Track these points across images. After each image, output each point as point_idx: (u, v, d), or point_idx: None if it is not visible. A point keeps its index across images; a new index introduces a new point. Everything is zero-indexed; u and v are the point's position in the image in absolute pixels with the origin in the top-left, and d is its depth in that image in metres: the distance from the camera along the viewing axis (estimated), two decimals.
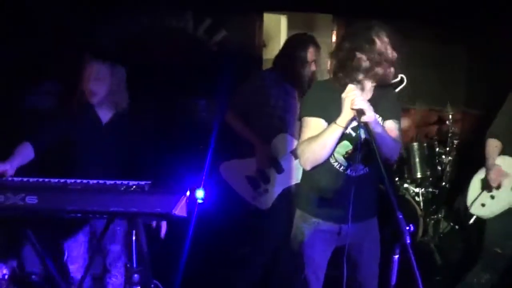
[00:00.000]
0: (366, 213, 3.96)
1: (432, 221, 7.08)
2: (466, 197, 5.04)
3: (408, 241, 2.82)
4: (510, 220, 4.79)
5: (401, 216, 2.88)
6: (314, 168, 3.80)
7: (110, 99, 4.52)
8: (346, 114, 3.52)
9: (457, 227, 6.96)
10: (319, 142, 3.65)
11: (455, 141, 7.03)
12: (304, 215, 3.99)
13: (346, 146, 3.77)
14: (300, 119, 3.89)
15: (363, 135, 3.69)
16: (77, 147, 4.47)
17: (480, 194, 4.93)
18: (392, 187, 3.21)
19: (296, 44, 5.37)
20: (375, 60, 3.64)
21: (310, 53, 5.27)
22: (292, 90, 5.27)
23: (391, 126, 3.84)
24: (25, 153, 4.21)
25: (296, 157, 5.07)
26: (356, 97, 3.44)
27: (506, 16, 7.10)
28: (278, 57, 5.46)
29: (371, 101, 3.59)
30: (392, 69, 3.70)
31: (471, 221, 4.98)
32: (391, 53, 3.68)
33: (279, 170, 5.19)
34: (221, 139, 5.22)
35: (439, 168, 7.18)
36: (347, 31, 3.90)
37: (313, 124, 3.77)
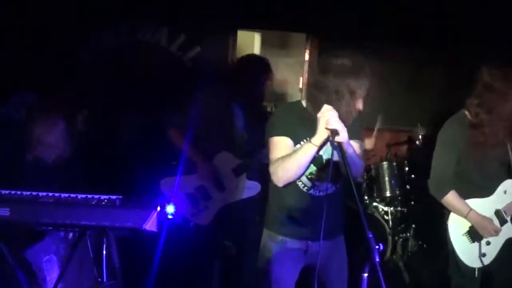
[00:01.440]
0: (332, 232, 3.95)
1: (401, 240, 7.12)
2: (457, 257, 4.55)
3: (377, 260, 2.85)
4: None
5: (371, 236, 2.91)
6: (280, 188, 3.85)
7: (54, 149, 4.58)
8: (321, 133, 3.54)
9: (425, 246, 7.02)
10: (293, 160, 3.68)
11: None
12: (271, 233, 4.02)
13: (310, 167, 3.80)
14: (267, 140, 3.90)
15: (326, 156, 3.76)
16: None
17: (479, 247, 4.52)
18: (362, 206, 3.23)
19: (248, 64, 5.43)
20: (344, 107, 3.62)
21: (261, 75, 5.33)
22: (240, 108, 5.31)
23: (354, 146, 3.85)
24: None
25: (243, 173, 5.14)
26: (331, 118, 3.47)
27: (478, 41, 7.22)
28: (229, 75, 5.47)
29: None
30: (350, 118, 3.71)
31: (476, 274, 4.53)
32: (358, 107, 3.71)
33: (220, 187, 5.21)
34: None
35: (408, 187, 7.24)
36: (337, 62, 3.66)
37: (281, 144, 3.80)
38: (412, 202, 7.25)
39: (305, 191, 3.88)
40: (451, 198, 4.50)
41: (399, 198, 7.21)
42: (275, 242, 3.98)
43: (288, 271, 4.01)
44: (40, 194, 3.60)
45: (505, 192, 4.56)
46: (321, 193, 3.84)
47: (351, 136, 3.77)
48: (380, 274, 2.79)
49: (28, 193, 3.62)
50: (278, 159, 3.76)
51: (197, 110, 5.19)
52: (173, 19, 7.61)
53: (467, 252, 4.56)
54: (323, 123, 3.50)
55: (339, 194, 3.99)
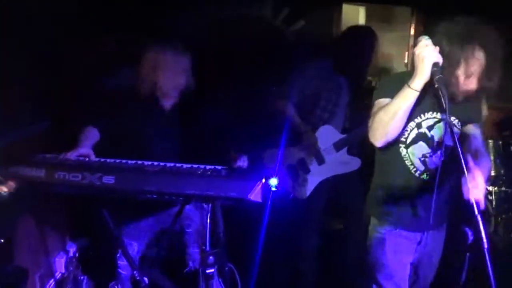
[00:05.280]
0: (441, 219, 3.78)
1: (504, 221, 6.95)
2: None
3: (486, 246, 2.80)
4: None
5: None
6: (388, 168, 3.66)
7: (174, 88, 4.52)
8: (422, 74, 3.11)
9: None
10: (388, 110, 3.27)
11: None
12: (380, 222, 3.79)
13: (423, 148, 3.52)
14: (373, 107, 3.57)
15: (438, 135, 3.46)
16: (140, 137, 4.47)
17: None
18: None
19: (353, 35, 5.35)
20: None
21: (367, 45, 5.24)
22: (344, 81, 5.24)
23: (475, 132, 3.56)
24: (92, 135, 4.23)
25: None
26: (429, 49, 3.11)
27: None
28: (333, 48, 5.39)
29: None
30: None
31: None
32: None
33: (320, 161, 5.17)
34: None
35: None
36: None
37: (381, 104, 3.40)
38: None
39: (417, 175, 3.59)
40: None
41: (504, 177, 7.03)
42: (385, 231, 3.75)
43: (400, 262, 3.76)
44: (146, 163, 3.65)
45: None
46: (433, 178, 3.33)
47: (469, 117, 3.53)
48: (487, 256, 2.68)
49: (133, 162, 3.68)
50: (374, 113, 3.41)
51: (302, 82, 5.18)
52: None
53: None
54: (423, 61, 3.09)
55: (450, 182, 3.65)
